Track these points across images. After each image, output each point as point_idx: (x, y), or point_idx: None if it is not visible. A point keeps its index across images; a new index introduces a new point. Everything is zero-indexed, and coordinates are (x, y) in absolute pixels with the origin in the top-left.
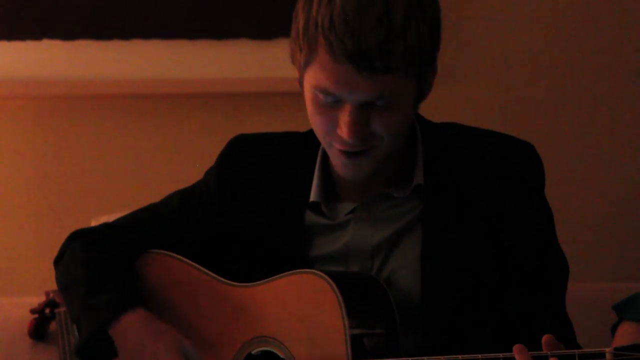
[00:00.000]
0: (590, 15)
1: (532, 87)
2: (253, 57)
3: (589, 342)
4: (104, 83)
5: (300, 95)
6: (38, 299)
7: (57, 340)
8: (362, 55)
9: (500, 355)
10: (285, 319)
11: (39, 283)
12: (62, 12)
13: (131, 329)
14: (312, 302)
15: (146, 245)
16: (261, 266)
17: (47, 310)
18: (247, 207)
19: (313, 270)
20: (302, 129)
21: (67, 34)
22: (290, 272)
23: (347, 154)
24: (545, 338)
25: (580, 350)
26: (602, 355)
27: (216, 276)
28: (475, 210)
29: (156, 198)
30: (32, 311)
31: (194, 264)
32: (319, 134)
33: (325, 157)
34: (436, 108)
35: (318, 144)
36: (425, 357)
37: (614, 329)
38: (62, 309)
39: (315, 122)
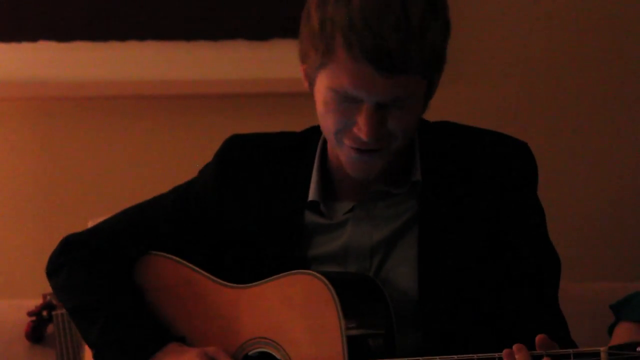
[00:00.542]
0: (593, 16)
1: (533, 88)
2: (249, 58)
3: (586, 342)
4: (100, 84)
5: (297, 96)
6: (35, 302)
7: (55, 343)
8: (383, 55)
9: (496, 355)
10: (281, 320)
11: (36, 285)
12: (58, 14)
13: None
14: (309, 303)
15: (142, 249)
16: (259, 266)
17: (45, 313)
18: (246, 206)
19: (309, 271)
20: (299, 129)
21: (63, 35)
22: (287, 273)
23: (360, 150)
24: (538, 338)
25: (575, 350)
26: (597, 354)
27: (213, 277)
28: (471, 208)
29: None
30: (30, 314)
31: (190, 265)
32: (330, 131)
33: (323, 156)
34: (437, 108)
35: (315, 143)
36: (421, 358)
37: (611, 329)
38: (59, 312)
39: (327, 120)
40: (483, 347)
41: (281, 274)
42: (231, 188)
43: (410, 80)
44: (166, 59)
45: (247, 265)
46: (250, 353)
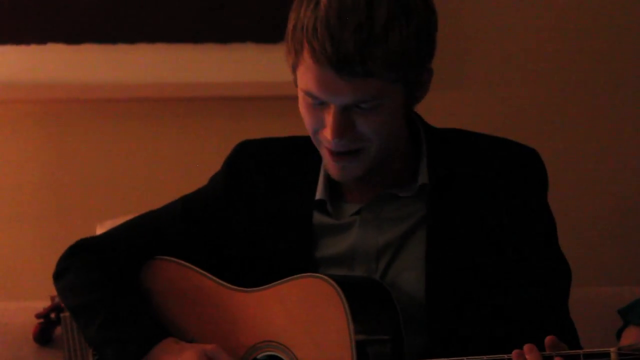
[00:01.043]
0: (598, 19)
1: (537, 93)
2: (258, 61)
3: (595, 346)
4: (108, 87)
5: None
6: (43, 304)
7: (63, 345)
8: (341, 60)
9: (505, 356)
10: (290, 323)
11: (44, 287)
12: (66, 16)
13: (161, 357)
14: (317, 307)
15: (151, 255)
16: (267, 269)
17: (53, 315)
18: (254, 210)
19: (318, 275)
20: (307, 132)
21: (72, 37)
22: (295, 276)
23: (334, 154)
24: (548, 339)
25: (585, 350)
26: (607, 354)
27: (221, 281)
28: (479, 213)
29: (161, 202)
30: (37, 316)
31: (199, 269)
32: (310, 133)
33: None
34: (441, 113)
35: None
36: None
37: (619, 334)
38: (67, 314)
39: (305, 121)
40: (490, 349)
41: (289, 278)
42: (240, 193)
43: (374, 83)
44: (175, 61)
45: (256, 268)
46: (258, 356)
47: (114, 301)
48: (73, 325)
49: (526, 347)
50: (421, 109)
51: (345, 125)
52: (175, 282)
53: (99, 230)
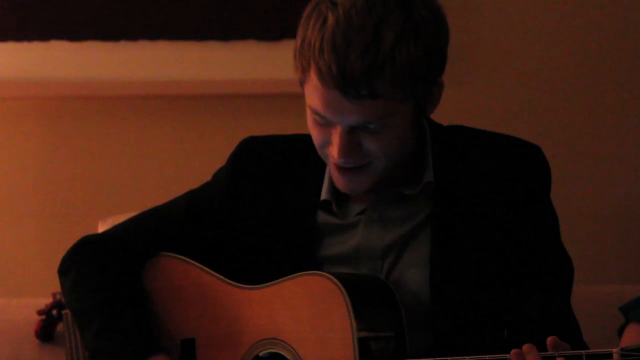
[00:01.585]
0: (600, 16)
1: (540, 90)
2: (260, 59)
3: (596, 344)
4: (111, 84)
5: None
6: (45, 301)
7: (64, 342)
8: (347, 82)
9: (507, 356)
10: (293, 321)
11: (45, 284)
12: (69, 13)
13: None
14: (320, 304)
15: (155, 251)
16: (271, 267)
17: (54, 312)
18: (258, 208)
19: (321, 272)
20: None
21: (75, 35)
22: (299, 273)
23: (341, 169)
24: (549, 340)
25: (587, 351)
26: (610, 355)
27: (224, 278)
28: (483, 210)
29: (163, 199)
30: (39, 312)
31: (202, 266)
32: (317, 147)
33: None
34: (443, 111)
35: None
36: (431, 359)
37: (620, 331)
38: (69, 311)
39: (312, 136)
40: (494, 348)
41: (292, 275)
42: (244, 189)
43: (382, 103)
44: (177, 59)
45: (259, 266)
46: (260, 354)
47: (110, 310)
48: (74, 322)
49: (525, 347)
50: None
51: (351, 145)
52: (179, 278)
53: (101, 228)
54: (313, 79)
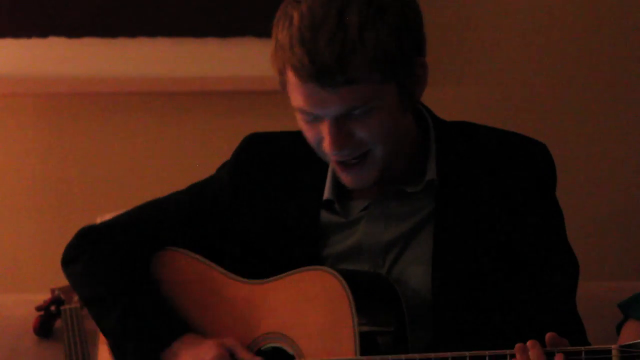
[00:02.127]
0: (597, 13)
1: (538, 89)
2: (259, 55)
3: (595, 340)
4: (109, 80)
5: None
6: (43, 296)
7: (63, 338)
8: (321, 72)
9: (507, 352)
10: (295, 315)
11: (44, 280)
12: (67, 10)
13: (181, 350)
14: (322, 299)
15: (157, 244)
16: (273, 264)
17: (53, 308)
18: (261, 205)
19: (323, 267)
20: None
21: (73, 31)
22: (301, 269)
23: (343, 165)
24: (548, 336)
25: (586, 347)
26: (609, 351)
27: (227, 272)
28: (487, 207)
29: (161, 195)
30: (38, 308)
31: (205, 260)
32: (313, 147)
33: None
34: (443, 109)
35: None
36: (432, 354)
37: (619, 328)
38: (67, 306)
39: (306, 136)
40: (495, 345)
41: (295, 270)
42: (247, 186)
43: (360, 88)
44: (176, 55)
45: (262, 263)
46: (263, 348)
47: (132, 292)
48: (73, 318)
49: (529, 342)
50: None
51: (343, 136)
52: (182, 272)
53: None
54: (291, 78)
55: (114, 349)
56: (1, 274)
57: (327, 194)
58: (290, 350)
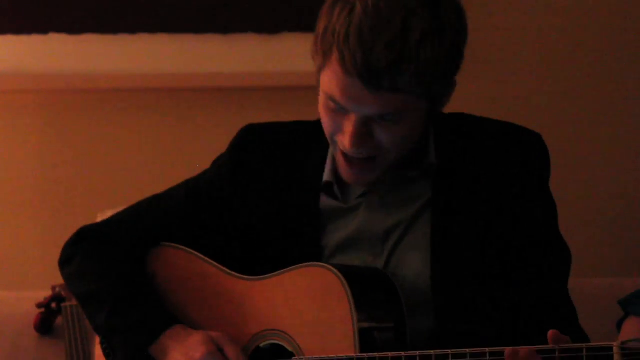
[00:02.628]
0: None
1: (538, 88)
2: (259, 51)
3: (595, 337)
4: (110, 77)
5: (306, 89)
6: (44, 294)
7: (64, 335)
8: (370, 72)
9: (504, 349)
10: (293, 312)
11: (45, 277)
12: (68, 6)
13: (169, 344)
14: (321, 296)
15: (156, 240)
16: (274, 253)
17: (54, 305)
18: (261, 193)
19: (322, 264)
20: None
21: (74, 28)
22: (300, 265)
23: (350, 159)
24: (550, 333)
25: (587, 344)
26: (610, 348)
27: (226, 269)
28: (483, 194)
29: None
30: (38, 305)
31: (204, 257)
32: (327, 134)
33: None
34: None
35: None
36: (432, 351)
37: (619, 325)
38: (68, 303)
39: (323, 120)
40: (494, 333)
41: (294, 266)
42: (246, 175)
43: (401, 97)
44: (176, 52)
45: (263, 252)
46: (261, 345)
47: (122, 289)
48: (74, 315)
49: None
50: None
51: (363, 136)
52: (181, 269)
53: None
54: (334, 66)
55: (103, 345)
56: (2, 271)
57: (326, 176)
58: (289, 347)
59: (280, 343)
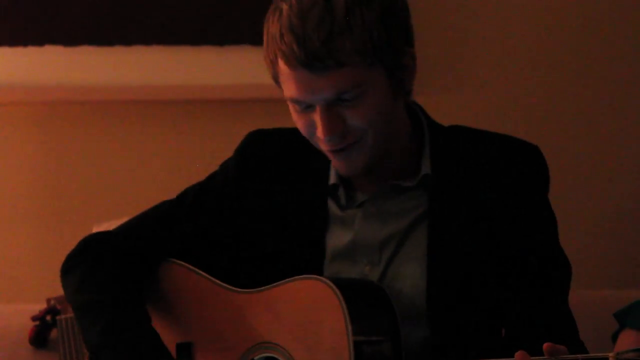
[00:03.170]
0: (594, 18)
1: (533, 95)
2: (255, 63)
3: (590, 349)
4: (105, 89)
5: None
6: (39, 306)
7: (58, 348)
8: (310, 57)
9: None
10: (288, 325)
11: (39, 290)
12: (63, 18)
13: None
14: (316, 308)
15: (163, 249)
16: (278, 254)
17: (48, 317)
18: (267, 197)
19: (317, 277)
20: None
21: (69, 39)
22: (294, 277)
23: (334, 152)
24: (545, 346)
25: (583, 355)
26: (605, 359)
27: (221, 283)
28: (480, 207)
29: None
30: (33, 318)
31: (200, 271)
32: (307, 137)
33: None
34: (442, 114)
35: None
36: None
37: (615, 337)
38: (63, 316)
39: (299, 127)
40: (490, 345)
41: (288, 279)
42: (253, 180)
43: (349, 72)
44: (172, 63)
45: (266, 255)
46: (256, 358)
47: (118, 307)
48: (69, 328)
49: (518, 354)
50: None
51: (334, 121)
52: (177, 283)
53: None
54: (282, 68)
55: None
56: None
57: (332, 179)
58: None
59: (275, 356)
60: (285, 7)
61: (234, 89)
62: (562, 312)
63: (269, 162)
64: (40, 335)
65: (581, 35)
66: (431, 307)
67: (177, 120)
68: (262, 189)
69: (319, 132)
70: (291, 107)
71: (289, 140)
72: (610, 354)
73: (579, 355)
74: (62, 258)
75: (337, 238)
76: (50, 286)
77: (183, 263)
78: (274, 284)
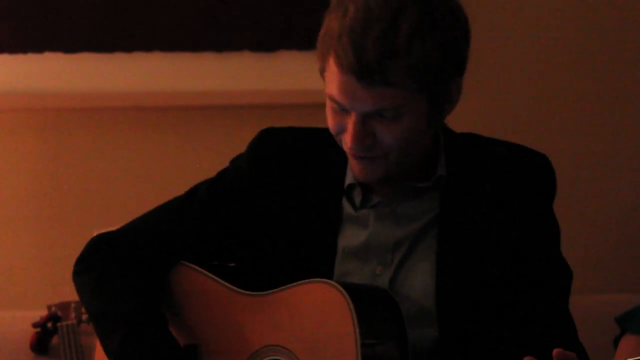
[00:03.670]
0: (597, 21)
1: (536, 99)
2: (255, 70)
3: (592, 354)
4: (105, 96)
5: (302, 107)
6: (40, 313)
7: (59, 354)
8: (361, 68)
9: None
10: (296, 328)
11: (41, 297)
12: (63, 25)
13: None
14: (324, 312)
15: (176, 249)
16: (293, 252)
17: (49, 324)
18: (281, 194)
19: (326, 280)
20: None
21: (69, 46)
22: (303, 281)
23: (357, 156)
24: (556, 352)
25: None
26: None
27: (230, 285)
28: (489, 212)
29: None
30: (34, 325)
31: (208, 273)
32: (333, 133)
33: None
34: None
35: None
36: None
37: (616, 341)
38: (64, 323)
39: (329, 123)
40: (498, 348)
41: (297, 283)
42: (266, 176)
43: (395, 92)
44: (172, 70)
45: (278, 254)
46: None
47: (139, 315)
48: (70, 335)
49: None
50: None
51: (364, 133)
52: (184, 285)
53: None
54: (331, 66)
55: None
56: None
57: (348, 179)
58: None
59: (281, 359)
60: (352, 8)
61: (234, 95)
62: (562, 315)
63: (281, 160)
64: (42, 341)
65: (583, 38)
66: (440, 310)
67: (177, 126)
68: (275, 186)
69: (347, 137)
70: (328, 102)
71: (302, 139)
72: None
73: None
74: (63, 265)
75: (350, 237)
76: (51, 293)
77: (190, 264)
78: (282, 287)
